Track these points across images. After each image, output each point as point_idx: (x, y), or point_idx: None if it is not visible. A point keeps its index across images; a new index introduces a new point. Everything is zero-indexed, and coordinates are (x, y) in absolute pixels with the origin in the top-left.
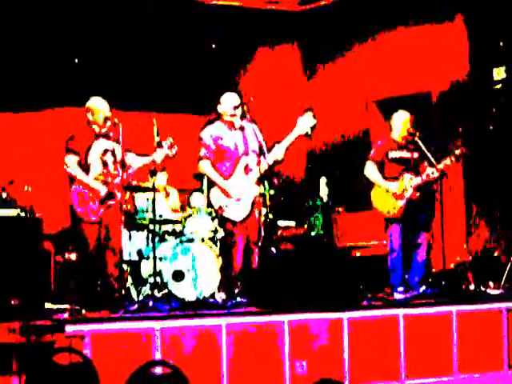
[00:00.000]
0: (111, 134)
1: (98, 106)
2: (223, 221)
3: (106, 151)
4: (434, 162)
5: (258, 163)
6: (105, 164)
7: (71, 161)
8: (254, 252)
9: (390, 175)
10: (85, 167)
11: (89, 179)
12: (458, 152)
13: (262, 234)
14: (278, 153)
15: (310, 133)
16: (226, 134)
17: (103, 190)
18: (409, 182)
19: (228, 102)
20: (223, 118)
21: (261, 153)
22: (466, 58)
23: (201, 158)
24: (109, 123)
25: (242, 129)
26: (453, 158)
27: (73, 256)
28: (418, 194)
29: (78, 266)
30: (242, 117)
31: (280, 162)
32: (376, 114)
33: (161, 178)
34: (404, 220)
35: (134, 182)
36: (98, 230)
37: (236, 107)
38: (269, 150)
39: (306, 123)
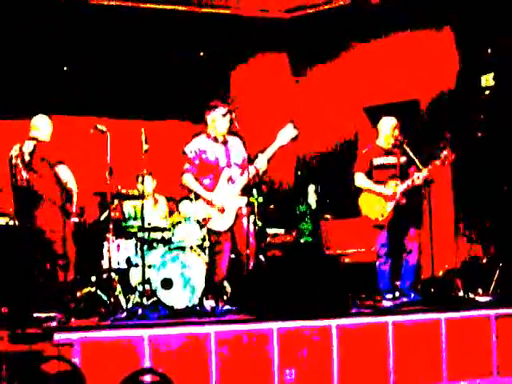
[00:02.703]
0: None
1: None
2: (208, 231)
3: None
4: (421, 166)
5: (242, 175)
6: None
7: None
8: (245, 260)
9: (377, 182)
10: None
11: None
12: (443, 155)
13: (252, 241)
14: (261, 163)
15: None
16: (209, 147)
17: None
18: (394, 188)
19: (218, 110)
20: (207, 130)
21: (244, 165)
22: (454, 66)
23: (184, 172)
24: None
25: (225, 143)
26: (438, 162)
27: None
28: (404, 201)
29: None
30: (229, 129)
31: (264, 173)
32: (365, 121)
33: (148, 184)
34: (392, 226)
35: (123, 190)
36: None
37: (224, 115)
38: (252, 160)
39: (286, 135)
